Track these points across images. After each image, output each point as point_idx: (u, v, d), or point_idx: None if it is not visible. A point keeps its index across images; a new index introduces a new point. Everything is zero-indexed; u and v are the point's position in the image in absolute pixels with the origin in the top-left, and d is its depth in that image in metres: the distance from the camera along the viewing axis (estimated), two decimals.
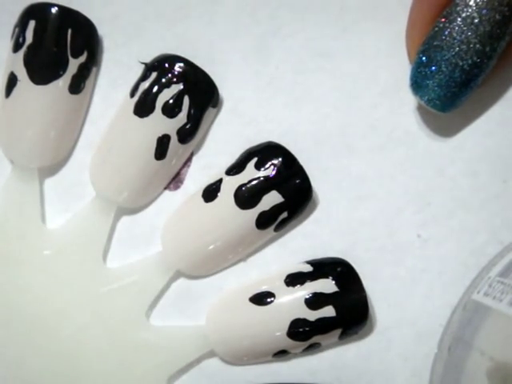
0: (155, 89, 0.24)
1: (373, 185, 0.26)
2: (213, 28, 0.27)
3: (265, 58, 0.27)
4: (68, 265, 0.25)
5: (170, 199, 0.26)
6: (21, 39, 0.25)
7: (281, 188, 0.24)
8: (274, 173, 0.24)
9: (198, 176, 0.26)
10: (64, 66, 0.25)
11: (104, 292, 0.25)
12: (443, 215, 0.26)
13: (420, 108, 0.26)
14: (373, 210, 0.26)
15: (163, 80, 0.24)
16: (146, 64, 0.25)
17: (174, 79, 0.24)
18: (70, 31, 0.25)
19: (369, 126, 0.26)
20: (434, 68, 0.24)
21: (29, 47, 0.25)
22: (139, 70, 0.25)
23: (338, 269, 0.24)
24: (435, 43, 0.24)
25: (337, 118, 0.26)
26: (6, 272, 0.25)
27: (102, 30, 0.26)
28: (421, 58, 0.24)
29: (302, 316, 0.23)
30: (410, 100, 0.26)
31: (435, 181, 0.26)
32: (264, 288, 0.24)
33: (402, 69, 0.26)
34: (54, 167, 0.26)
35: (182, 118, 0.25)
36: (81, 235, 0.25)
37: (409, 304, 0.25)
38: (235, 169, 0.24)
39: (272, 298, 0.24)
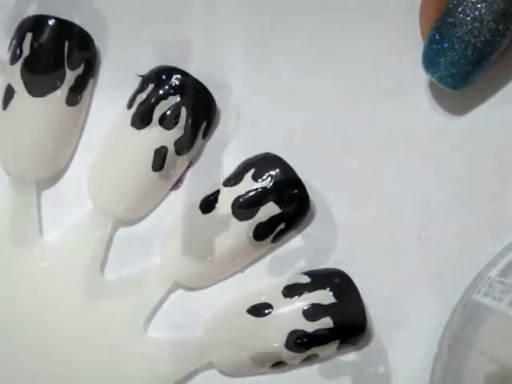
0: (152, 100, 0.24)
1: (373, 185, 0.26)
2: (213, 28, 0.27)
3: (265, 57, 0.27)
4: (65, 277, 0.25)
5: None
6: (18, 51, 0.24)
7: (278, 199, 0.24)
8: (271, 184, 0.24)
9: (197, 176, 0.26)
10: (61, 78, 0.24)
11: (101, 304, 0.25)
12: (443, 215, 0.26)
13: (420, 108, 0.26)
14: (373, 210, 0.26)
15: (160, 92, 0.24)
16: (142, 76, 0.25)
17: (171, 91, 0.24)
18: (66, 43, 0.24)
19: (369, 126, 0.26)
20: (446, 45, 0.23)
21: (26, 59, 0.24)
22: (139, 70, 0.25)
23: (336, 280, 0.24)
24: (449, 20, 0.23)
25: (337, 118, 0.26)
26: (3, 283, 0.25)
27: (102, 30, 0.26)
28: (434, 35, 0.24)
29: (299, 327, 0.23)
30: (410, 100, 0.26)
31: (435, 181, 0.26)
32: (262, 299, 0.24)
33: (402, 69, 0.26)
34: (51, 179, 0.26)
35: (179, 129, 0.24)
36: (78, 247, 0.25)
37: (409, 304, 0.25)
38: (232, 180, 0.24)
39: (270, 310, 0.24)
